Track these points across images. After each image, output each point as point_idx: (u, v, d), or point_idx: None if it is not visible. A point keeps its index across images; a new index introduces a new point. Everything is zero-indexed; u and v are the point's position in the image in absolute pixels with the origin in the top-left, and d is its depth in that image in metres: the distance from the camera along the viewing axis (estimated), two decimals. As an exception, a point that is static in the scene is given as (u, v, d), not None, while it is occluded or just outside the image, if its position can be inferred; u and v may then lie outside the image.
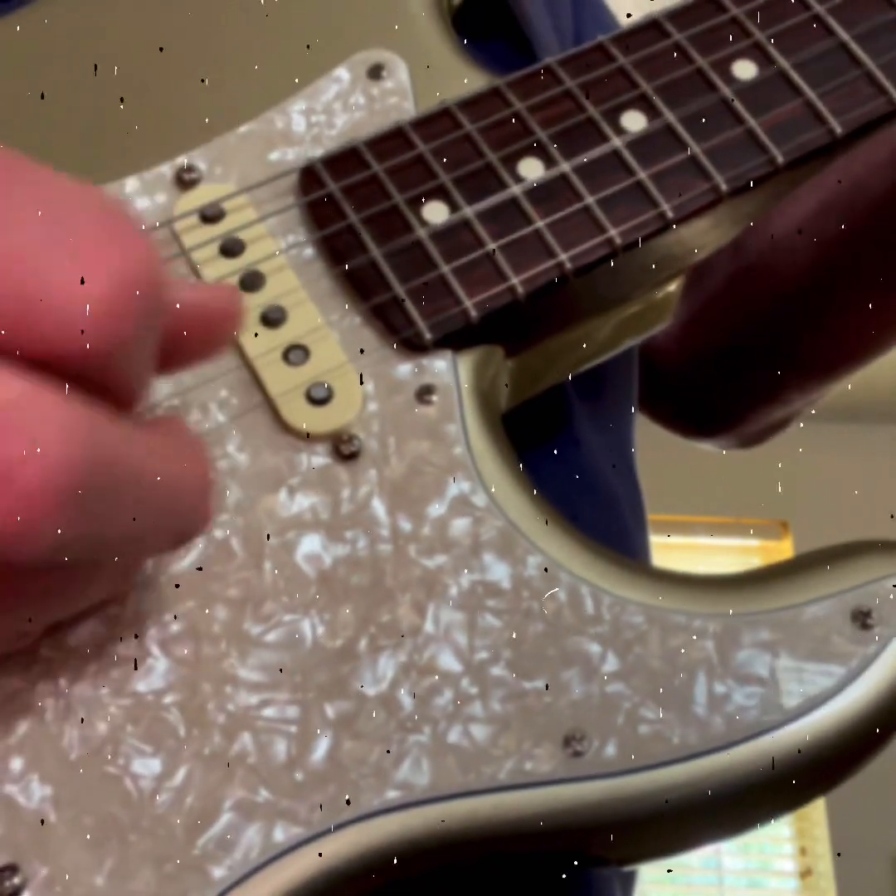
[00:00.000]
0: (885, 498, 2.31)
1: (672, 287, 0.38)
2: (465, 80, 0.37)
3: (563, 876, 0.29)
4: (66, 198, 0.22)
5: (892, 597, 0.29)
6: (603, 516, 0.41)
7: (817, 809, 2.14)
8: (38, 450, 0.20)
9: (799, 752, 0.28)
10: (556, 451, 0.40)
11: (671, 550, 2.31)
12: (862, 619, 0.29)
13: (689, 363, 0.56)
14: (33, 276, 0.21)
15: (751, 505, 2.26)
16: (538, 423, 0.39)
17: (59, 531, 0.20)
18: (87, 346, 0.21)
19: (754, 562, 2.38)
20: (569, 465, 0.40)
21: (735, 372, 0.54)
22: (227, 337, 0.26)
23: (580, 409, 0.42)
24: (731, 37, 0.36)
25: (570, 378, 0.41)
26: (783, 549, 2.35)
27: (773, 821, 0.29)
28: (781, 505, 2.30)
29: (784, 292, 0.51)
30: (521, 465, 0.32)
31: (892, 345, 0.51)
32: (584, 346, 0.37)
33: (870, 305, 0.49)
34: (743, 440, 0.60)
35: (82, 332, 0.21)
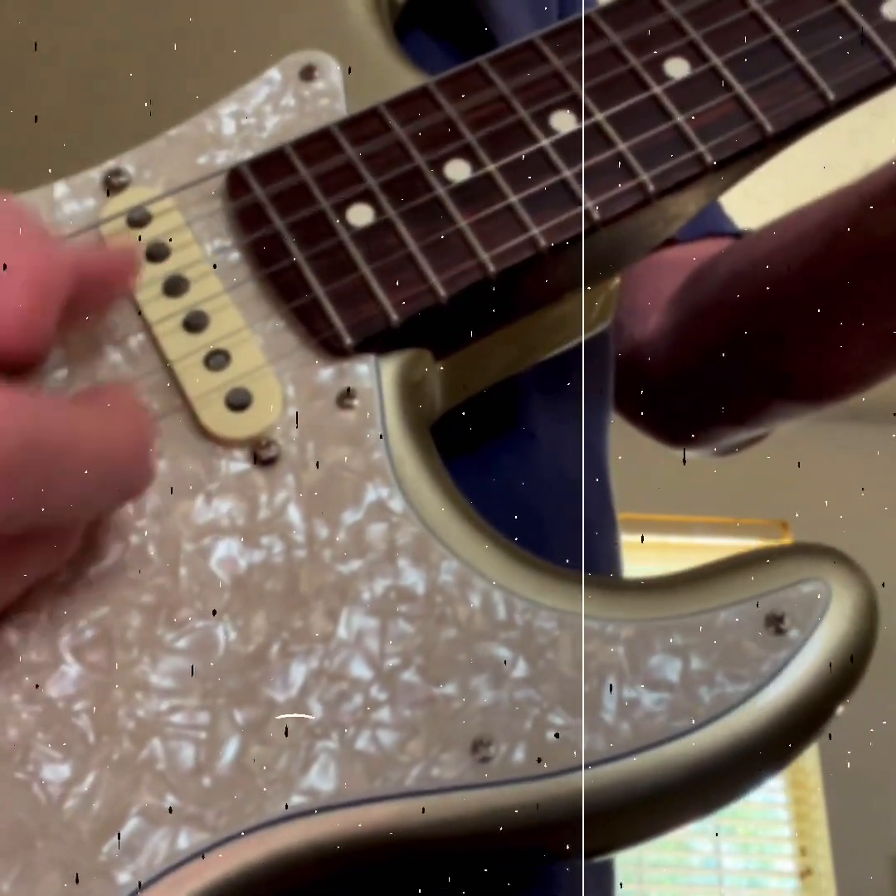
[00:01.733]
0: (885, 498, 2.30)
1: (607, 288, 0.38)
2: (400, 80, 0.37)
3: (516, 872, 0.29)
4: None
5: (805, 602, 0.29)
6: (561, 508, 0.41)
7: (817, 809, 2.14)
8: None
9: (710, 757, 0.28)
10: (510, 445, 0.40)
11: (671, 550, 2.30)
12: (775, 623, 0.29)
13: (674, 372, 0.55)
14: None
15: (751, 505, 2.25)
16: (494, 417, 0.39)
17: (3, 508, 0.22)
18: (13, 343, 0.24)
19: None
20: (524, 458, 0.40)
21: (720, 387, 0.54)
22: (122, 290, 0.28)
23: (540, 402, 0.42)
24: (666, 36, 0.36)
25: (530, 375, 0.41)
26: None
27: (688, 825, 0.29)
28: (781, 505, 2.29)
29: (776, 315, 0.50)
30: (444, 469, 0.32)
31: (880, 377, 0.50)
32: (517, 348, 0.37)
33: (860, 339, 0.48)
34: (719, 451, 0.59)
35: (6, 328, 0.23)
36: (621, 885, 0.42)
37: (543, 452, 0.41)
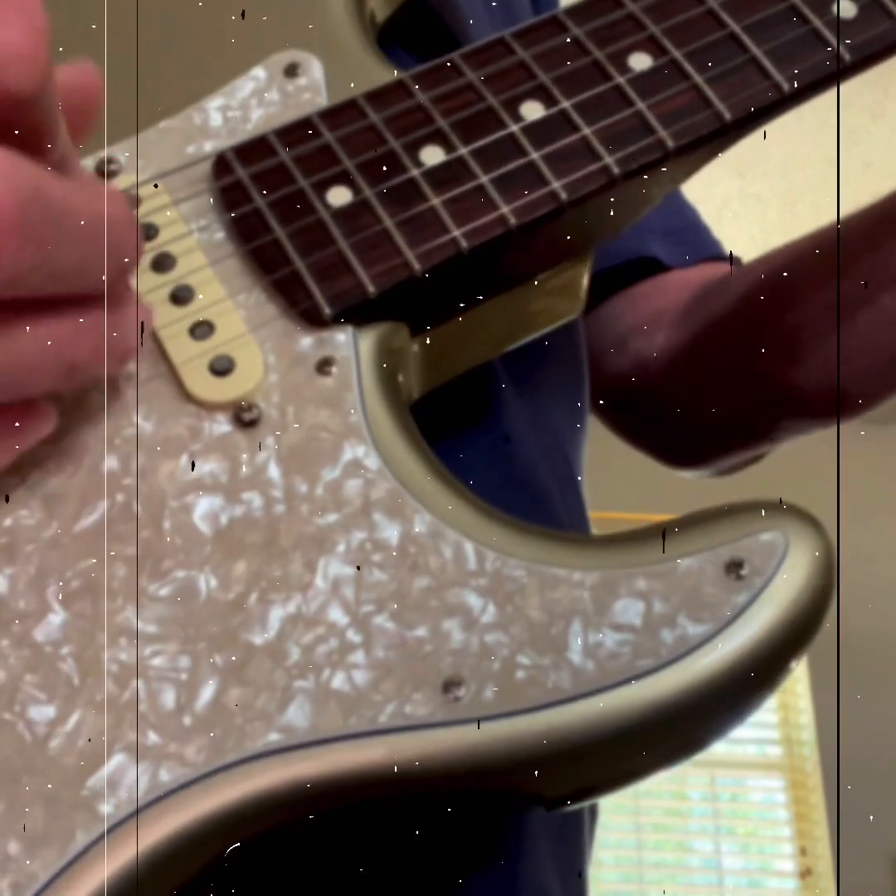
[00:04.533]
0: (885, 498, 2.30)
1: (579, 272, 0.39)
2: (378, 77, 0.39)
3: (492, 823, 0.30)
4: None
5: (764, 549, 0.30)
6: (531, 510, 0.42)
7: (817, 809, 2.12)
8: None
9: (672, 696, 0.29)
10: (484, 444, 0.41)
11: None
12: (735, 570, 0.30)
13: (682, 393, 0.55)
14: None
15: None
16: (468, 417, 0.41)
17: (15, 261, 0.24)
18: (15, 89, 0.24)
19: None
20: (498, 460, 0.41)
21: (732, 405, 0.54)
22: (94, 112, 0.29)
23: (514, 404, 0.43)
24: (627, 31, 0.38)
25: (504, 373, 0.43)
26: None
27: (653, 774, 0.30)
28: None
29: (790, 333, 0.51)
30: (418, 433, 0.33)
31: (891, 394, 0.51)
32: (492, 329, 0.38)
33: (874, 355, 0.49)
34: (719, 471, 0.60)
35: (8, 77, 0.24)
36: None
37: (517, 455, 0.42)
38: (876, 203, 0.48)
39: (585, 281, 0.40)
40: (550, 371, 0.47)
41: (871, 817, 2.03)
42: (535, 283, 0.38)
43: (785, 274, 0.51)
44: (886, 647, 2.11)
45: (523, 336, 0.41)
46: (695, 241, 0.60)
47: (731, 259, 0.59)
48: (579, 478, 0.48)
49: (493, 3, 0.53)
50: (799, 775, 2.17)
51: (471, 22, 0.49)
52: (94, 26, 0.40)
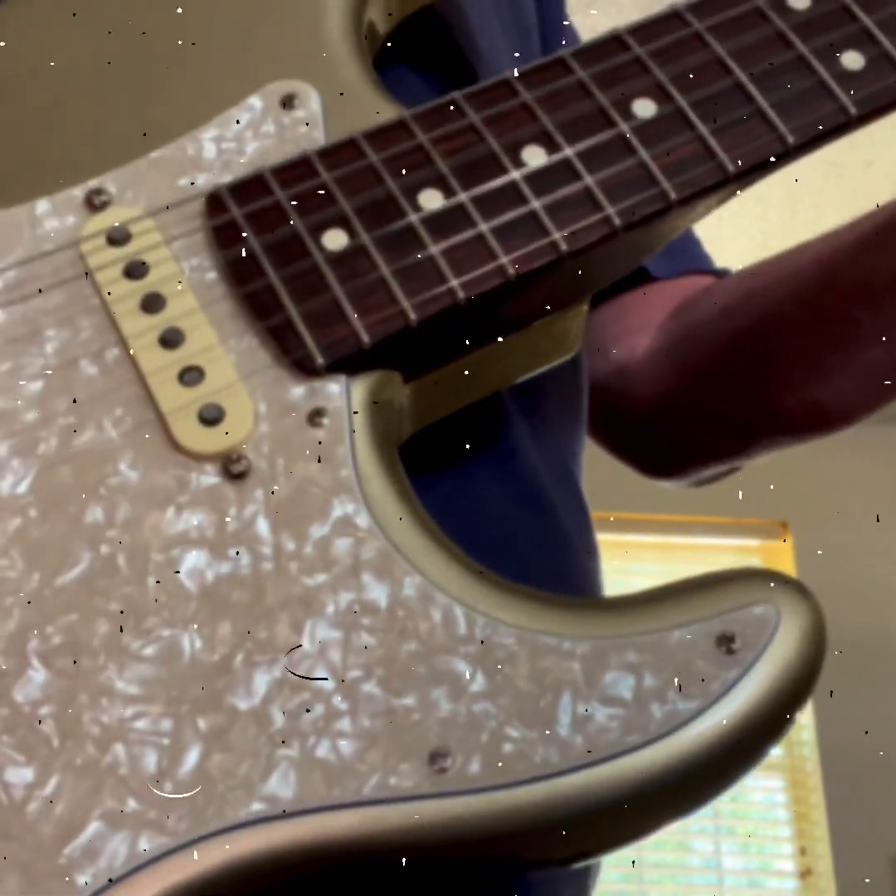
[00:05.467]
0: (885, 498, 2.32)
1: (573, 318, 0.39)
2: (377, 112, 0.38)
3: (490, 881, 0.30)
4: None
5: (755, 623, 0.30)
6: (538, 523, 0.42)
7: (817, 809, 2.14)
8: None
9: (658, 772, 0.29)
10: (492, 460, 0.41)
11: (672, 550, 2.32)
12: (727, 643, 0.30)
13: (662, 406, 0.55)
14: None
15: (751, 505, 2.26)
16: (475, 433, 0.40)
17: None
18: None
19: (754, 562, 2.38)
20: (505, 474, 0.41)
21: (708, 420, 0.55)
22: None
23: (518, 417, 0.43)
24: (632, 75, 0.37)
25: (507, 391, 0.42)
26: (783, 549, 2.36)
27: (639, 839, 0.30)
28: (781, 505, 2.31)
29: (770, 351, 0.51)
30: (410, 487, 0.33)
31: (869, 411, 0.51)
32: (485, 373, 0.38)
33: (855, 372, 0.49)
34: (695, 482, 0.60)
35: None
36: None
37: (522, 470, 0.42)
38: (860, 220, 0.48)
39: (581, 325, 0.40)
40: (553, 382, 0.47)
41: (871, 817, 2.05)
42: (530, 329, 0.38)
43: (765, 291, 0.51)
44: (886, 647, 2.13)
45: (516, 378, 0.40)
46: (683, 253, 0.60)
47: (717, 273, 0.59)
48: (580, 485, 0.48)
49: (503, 16, 0.53)
50: (799, 775, 2.18)
51: (481, 33, 0.48)
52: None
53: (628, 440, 0.58)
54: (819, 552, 2.23)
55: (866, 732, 2.02)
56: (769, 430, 0.54)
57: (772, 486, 2.06)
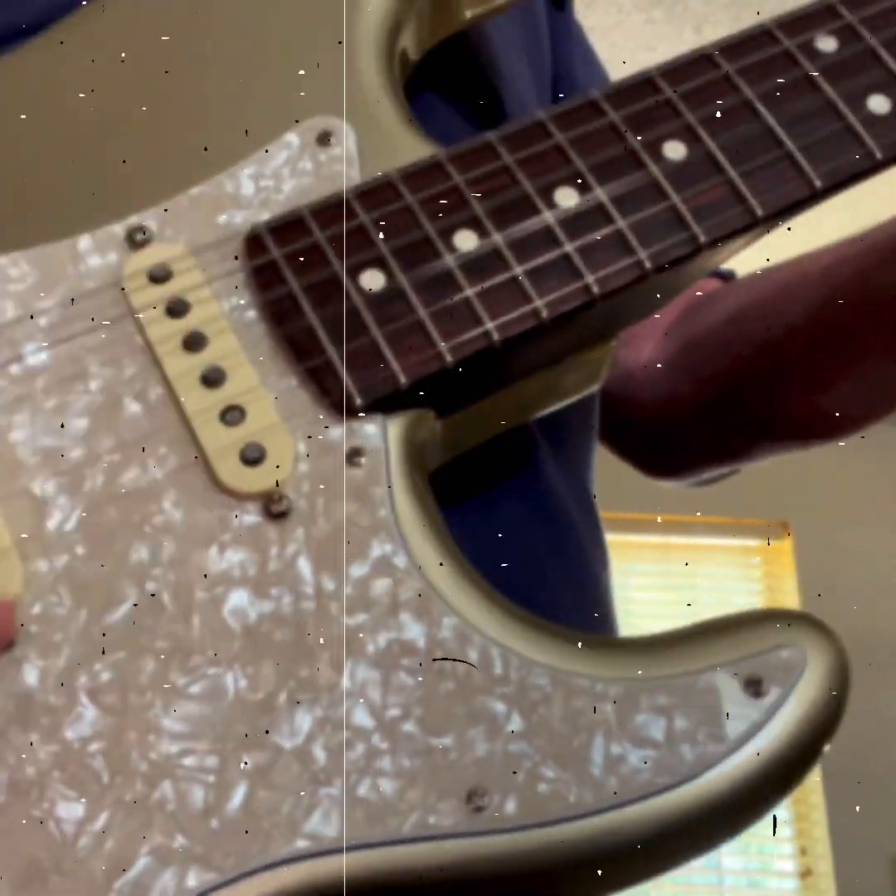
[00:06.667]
0: (885, 498, 2.33)
1: (604, 353, 0.39)
2: (412, 149, 0.38)
3: None
4: None
5: (782, 666, 0.31)
6: (560, 541, 0.43)
7: (817, 809, 2.16)
8: None
9: (689, 812, 0.30)
10: (518, 482, 0.42)
11: (672, 551, 2.33)
12: (754, 686, 0.31)
13: (665, 408, 0.56)
14: None
15: (751, 505, 2.27)
16: (501, 456, 0.41)
17: None
18: None
19: (754, 562, 2.39)
20: (529, 495, 0.42)
21: (711, 425, 0.55)
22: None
23: (543, 443, 0.44)
24: (663, 117, 0.38)
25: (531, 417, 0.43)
26: (783, 549, 2.37)
27: (669, 873, 0.31)
28: (781, 505, 2.32)
29: (775, 360, 0.51)
30: (445, 526, 0.34)
31: (871, 421, 0.52)
32: (515, 407, 0.39)
33: (858, 383, 0.50)
34: (696, 483, 0.61)
35: None
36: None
37: (545, 490, 0.43)
38: (867, 232, 0.48)
39: (608, 359, 0.40)
40: (572, 416, 0.48)
41: (871, 817, 2.06)
42: (560, 366, 0.38)
43: (773, 300, 0.52)
44: (886, 648, 2.14)
45: (544, 410, 0.41)
46: None
47: (725, 277, 0.59)
48: (593, 499, 0.49)
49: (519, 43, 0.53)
50: None
51: (504, 60, 0.49)
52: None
53: (631, 442, 0.59)
54: (819, 552, 2.24)
55: (866, 733, 2.03)
56: (772, 436, 0.55)
57: (772, 487, 2.07)
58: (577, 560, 0.44)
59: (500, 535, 0.40)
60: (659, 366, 0.56)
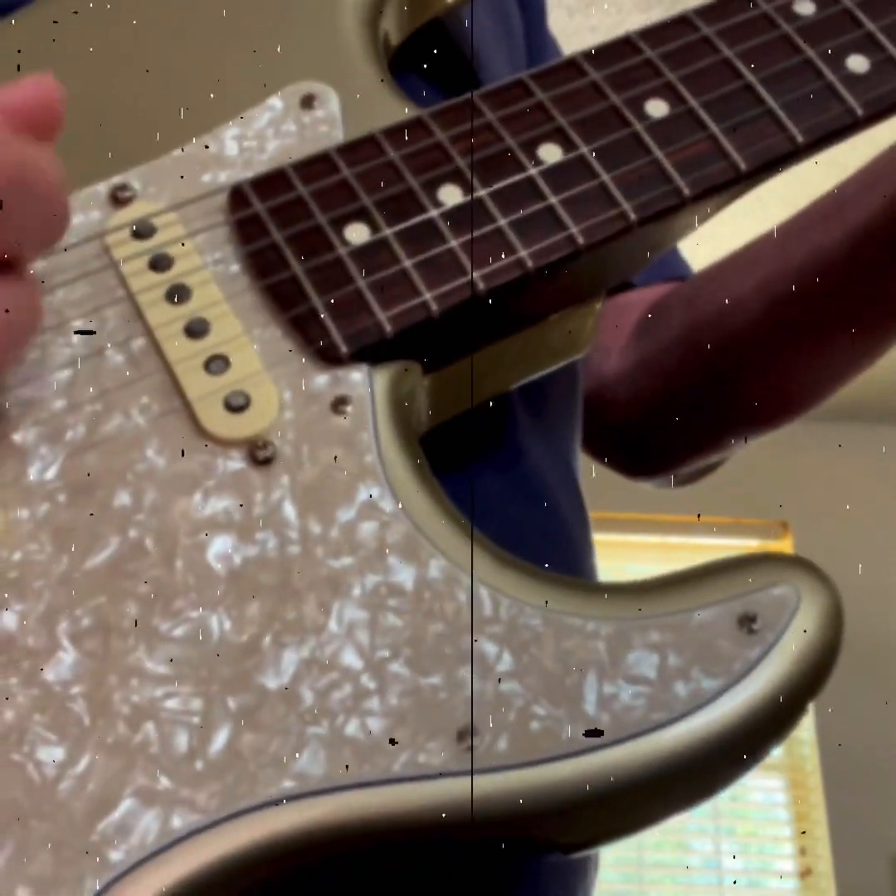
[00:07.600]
0: (885, 498, 2.33)
1: (587, 315, 0.39)
2: (394, 112, 0.39)
3: (500, 867, 0.30)
4: None
5: (776, 604, 0.31)
6: (544, 520, 0.43)
7: (817, 809, 2.14)
8: None
9: (684, 749, 0.29)
10: (500, 459, 0.42)
11: (672, 550, 2.32)
12: (748, 624, 0.30)
13: (635, 409, 0.57)
14: None
15: (751, 505, 2.27)
16: (484, 433, 0.41)
17: None
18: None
19: None
20: (512, 473, 0.42)
21: (680, 420, 0.56)
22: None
23: (525, 420, 0.43)
24: (644, 77, 0.38)
25: (515, 393, 0.43)
26: (783, 549, 2.36)
27: (665, 820, 0.30)
28: (781, 505, 2.32)
29: (735, 346, 0.52)
30: (431, 473, 0.33)
31: (832, 392, 0.53)
32: (500, 369, 0.38)
33: (816, 358, 0.51)
34: (676, 481, 0.61)
35: None
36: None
37: (528, 468, 0.43)
38: (816, 205, 0.50)
39: (594, 324, 0.40)
40: (554, 380, 0.48)
41: (871, 817, 2.05)
42: (546, 323, 0.38)
43: (727, 284, 0.53)
44: (886, 647, 2.13)
45: (530, 375, 0.41)
46: (660, 261, 0.61)
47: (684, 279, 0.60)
48: (579, 482, 0.49)
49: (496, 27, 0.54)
50: (799, 775, 2.18)
51: (481, 46, 0.49)
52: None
53: (606, 443, 0.60)
54: (819, 552, 2.23)
55: (866, 732, 2.02)
56: (738, 420, 0.55)
57: (772, 487, 2.06)
58: (560, 541, 0.43)
59: (479, 512, 0.39)
60: (624, 365, 0.57)
